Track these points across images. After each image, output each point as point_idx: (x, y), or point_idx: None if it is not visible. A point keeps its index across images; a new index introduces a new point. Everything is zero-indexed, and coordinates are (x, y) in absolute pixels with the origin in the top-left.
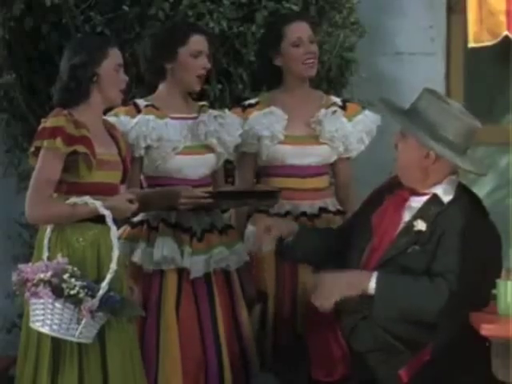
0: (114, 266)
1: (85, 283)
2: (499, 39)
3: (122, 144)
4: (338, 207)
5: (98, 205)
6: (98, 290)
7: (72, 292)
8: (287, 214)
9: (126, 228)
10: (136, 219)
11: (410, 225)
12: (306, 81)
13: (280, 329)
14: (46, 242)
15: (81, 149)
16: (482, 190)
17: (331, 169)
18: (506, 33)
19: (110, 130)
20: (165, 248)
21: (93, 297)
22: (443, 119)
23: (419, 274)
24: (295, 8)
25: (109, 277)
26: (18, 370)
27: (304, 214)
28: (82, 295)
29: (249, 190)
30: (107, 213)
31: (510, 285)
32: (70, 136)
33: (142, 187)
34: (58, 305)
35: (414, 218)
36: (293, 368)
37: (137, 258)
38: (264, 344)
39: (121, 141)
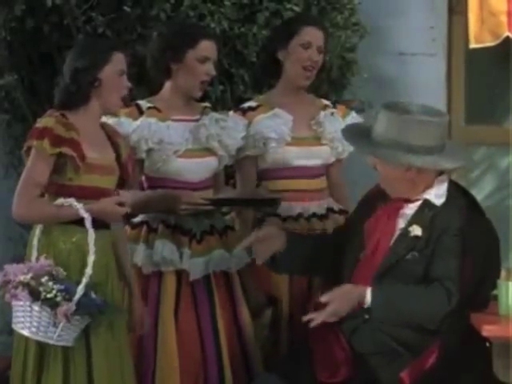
0: (89, 270)
1: (63, 286)
2: (500, 40)
3: (122, 150)
4: (340, 207)
5: (79, 207)
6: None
7: (49, 295)
8: (299, 216)
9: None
10: (136, 220)
11: (405, 231)
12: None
13: (295, 332)
14: (35, 242)
15: (67, 151)
16: (482, 190)
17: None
18: (507, 33)
19: (112, 135)
20: (164, 249)
21: (70, 300)
22: (409, 131)
23: (418, 280)
24: (296, 9)
25: (84, 281)
26: (11, 370)
27: (314, 214)
28: (58, 299)
29: (249, 197)
30: (86, 215)
31: (510, 285)
32: (57, 137)
33: (142, 188)
34: (35, 307)
35: (409, 224)
36: (297, 369)
37: (138, 260)
38: (277, 349)
39: (121, 146)
